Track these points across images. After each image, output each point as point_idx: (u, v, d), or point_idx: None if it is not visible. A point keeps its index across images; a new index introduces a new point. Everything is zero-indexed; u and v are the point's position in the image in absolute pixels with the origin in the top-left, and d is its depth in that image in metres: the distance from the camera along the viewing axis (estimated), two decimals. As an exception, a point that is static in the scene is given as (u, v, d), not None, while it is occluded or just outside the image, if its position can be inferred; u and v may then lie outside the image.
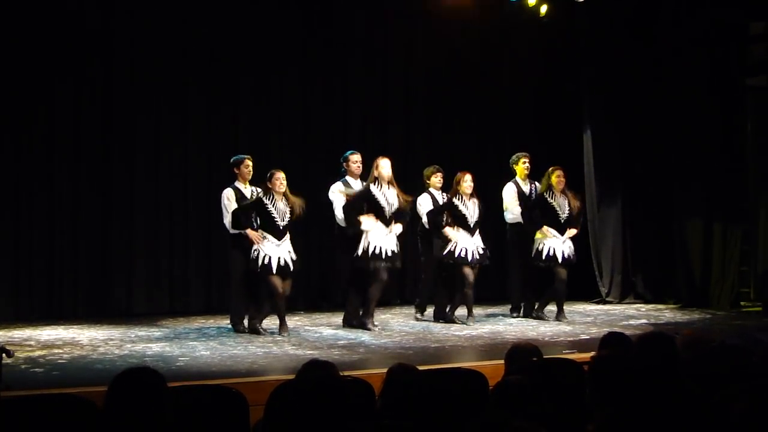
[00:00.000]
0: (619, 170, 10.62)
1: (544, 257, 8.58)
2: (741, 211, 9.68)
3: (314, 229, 9.41)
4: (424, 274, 8.76)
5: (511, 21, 10.57)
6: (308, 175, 9.61)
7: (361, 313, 8.06)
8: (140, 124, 9.47)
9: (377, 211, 7.90)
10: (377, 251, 7.82)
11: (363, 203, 7.93)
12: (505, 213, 8.89)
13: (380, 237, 7.87)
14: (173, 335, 7.70)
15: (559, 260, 8.58)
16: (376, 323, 7.97)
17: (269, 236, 7.60)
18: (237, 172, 7.91)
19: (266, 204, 7.62)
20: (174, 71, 9.59)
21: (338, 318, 8.67)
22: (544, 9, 9.78)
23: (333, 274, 9.85)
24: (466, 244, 8.30)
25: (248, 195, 7.86)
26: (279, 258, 7.57)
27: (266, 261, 7.54)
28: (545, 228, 8.61)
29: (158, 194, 9.56)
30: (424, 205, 8.48)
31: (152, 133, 9.53)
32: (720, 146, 9.80)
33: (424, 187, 8.64)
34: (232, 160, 8.03)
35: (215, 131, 9.78)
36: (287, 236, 7.70)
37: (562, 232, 8.65)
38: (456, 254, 8.28)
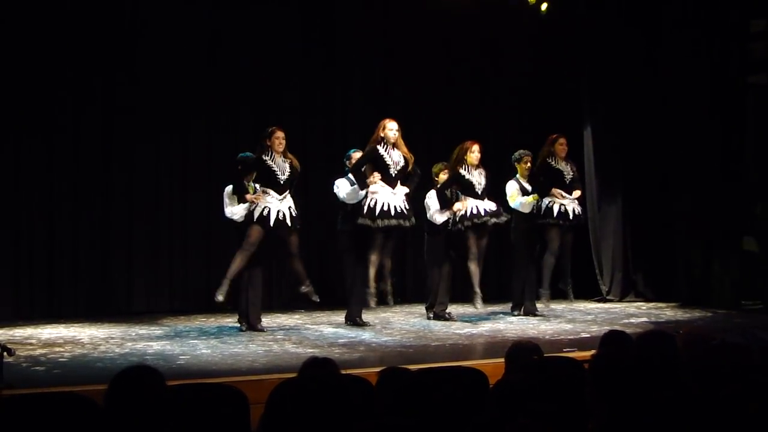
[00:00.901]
0: (619, 168, 10.61)
1: (555, 214, 8.68)
2: (742, 208, 9.66)
3: (315, 227, 9.42)
4: (430, 272, 8.76)
5: (511, 18, 10.56)
6: (307, 174, 9.61)
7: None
8: (140, 122, 9.46)
9: (383, 171, 7.85)
10: (384, 207, 7.74)
11: (368, 162, 7.90)
12: (511, 202, 8.87)
13: (387, 195, 7.81)
14: (174, 333, 7.70)
15: (570, 217, 8.70)
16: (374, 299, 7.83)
17: (271, 191, 7.55)
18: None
19: (265, 160, 7.58)
20: (173, 69, 9.59)
21: (339, 316, 8.69)
22: (544, 6, 9.79)
23: (333, 272, 9.85)
24: (476, 203, 8.31)
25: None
26: (279, 211, 7.51)
27: (264, 212, 7.49)
28: (555, 190, 8.73)
29: (158, 192, 9.57)
30: (431, 201, 8.49)
31: (152, 130, 9.52)
32: (721, 143, 9.78)
33: (432, 184, 8.64)
34: (237, 157, 7.95)
35: (215, 129, 9.78)
36: (288, 192, 7.63)
37: (569, 193, 8.80)
38: (468, 215, 8.22)
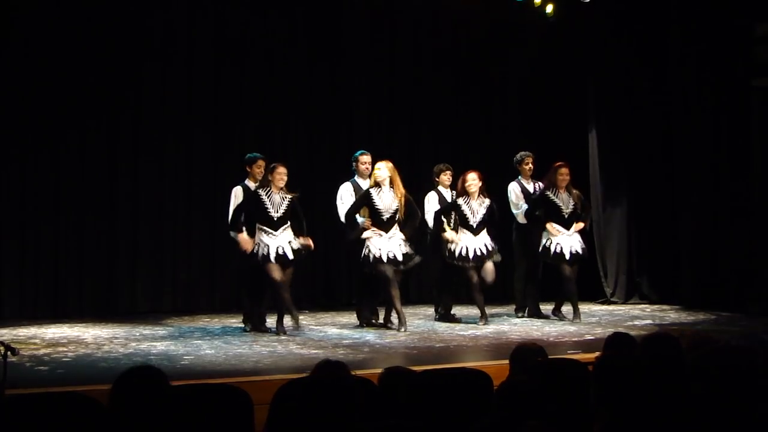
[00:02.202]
0: (624, 170, 10.60)
1: (551, 254, 8.55)
2: (747, 211, 9.64)
3: (319, 228, 9.41)
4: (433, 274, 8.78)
5: (517, 20, 10.56)
6: (313, 175, 9.67)
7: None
8: (145, 124, 9.54)
9: (374, 216, 7.86)
10: (377, 254, 7.75)
11: (361, 207, 7.94)
12: (513, 208, 8.88)
13: (380, 241, 7.82)
14: (178, 334, 7.71)
15: (567, 257, 8.52)
16: (392, 323, 7.92)
17: (265, 227, 7.53)
18: (249, 170, 7.92)
19: (260, 195, 7.56)
20: (177, 71, 9.64)
21: (342, 317, 8.70)
22: (550, 8, 9.78)
23: (337, 273, 9.87)
24: (467, 243, 8.28)
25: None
26: (277, 247, 7.49)
27: (264, 252, 7.48)
28: (550, 225, 8.58)
29: (163, 193, 9.60)
30: (431, 202, 8.53)
31: (157, 132, 9.58)
32: (726, 146, 9.77)
33: (432, 185, 8.68)
34: (246, 157, 8.03)
35: (220, 131, 9.81)
36: (284, 226, 7.58)
37: (567, 228, 8.61)
38: (457, 254, 8.27)
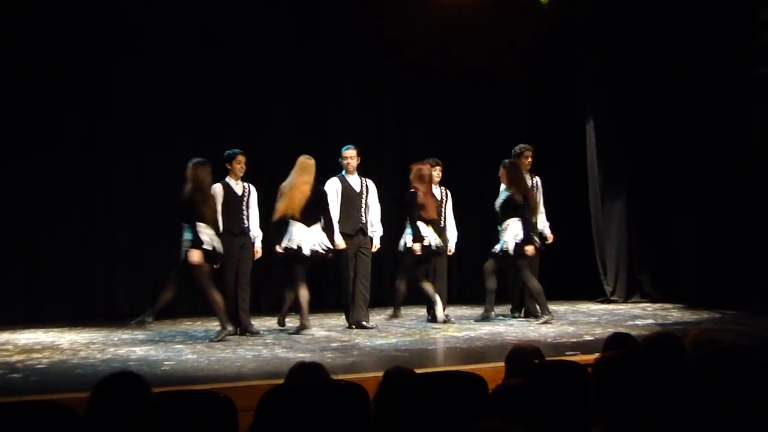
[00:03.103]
0: (623, 163, 10.64)
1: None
2: (752, 205, 9.68)
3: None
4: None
5: (511, 10, 10.57)
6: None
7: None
8: (122, 119, 9.54)
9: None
10: (295, 247, 7.84)
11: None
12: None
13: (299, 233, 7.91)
14: (158, 338, 7.69)
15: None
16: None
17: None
18: (229, 167, 7.93)
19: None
20: (154, 63, 9.64)
21: (330, 319, 8.73)
22: (545, -4, 9.81)
23: (325, 273, 9.86)
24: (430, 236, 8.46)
25: (239, 192, 7.87)
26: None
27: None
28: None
29: (141, 192, 9.61)
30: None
31: (135, 127, 9.57)
32: (728, 138, 9.79)
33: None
34: (225, 154, 8.03)
35: (200, 127, 9.80)
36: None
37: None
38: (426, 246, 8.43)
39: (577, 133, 10.81)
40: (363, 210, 8.28)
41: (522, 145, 9.08)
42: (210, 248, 7.42)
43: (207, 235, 7.43)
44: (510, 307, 9.13)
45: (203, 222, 7.43)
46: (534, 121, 10.93)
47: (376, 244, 8.43)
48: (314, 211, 7.91)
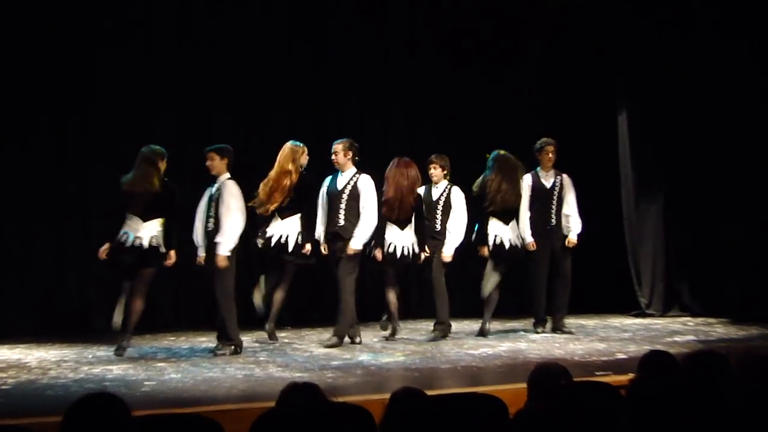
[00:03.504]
0: (660, 158, 10.63)
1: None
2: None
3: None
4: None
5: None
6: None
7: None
8: (97, 117, 9.63)
9: None
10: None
11: None
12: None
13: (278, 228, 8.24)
14: (138, 355, 7.70)
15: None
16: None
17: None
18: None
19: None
20: (134, 57, 9.78)
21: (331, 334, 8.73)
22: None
23: (324, 282, 9.86)
24: (394, 239, 8.47)
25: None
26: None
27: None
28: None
29: (118, 198, 9.63)
30: None
31: (111, 126, 9.64)
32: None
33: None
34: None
35: (184, 126, 9.92)
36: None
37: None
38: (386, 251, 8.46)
39: (606, 126, 10.80)
40: (341, 212, 8.24)
41: (543, 140, 9.09)
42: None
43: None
44: (533, 321, 9.12)
45: None
46: (557, 112, 10.91)
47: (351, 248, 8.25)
48: (296, 203, 8.12)
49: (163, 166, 7.90)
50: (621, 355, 7.45)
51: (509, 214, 8.79)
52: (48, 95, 9.39)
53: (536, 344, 8.26)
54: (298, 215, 8.20)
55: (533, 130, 9.81)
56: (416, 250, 8.45)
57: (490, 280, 8.75)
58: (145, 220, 7.73)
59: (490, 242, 8.71)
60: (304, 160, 8.30)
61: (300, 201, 8.17)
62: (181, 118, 9.90)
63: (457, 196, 8.76)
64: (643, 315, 10.43)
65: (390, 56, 10.87)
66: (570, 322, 9.09)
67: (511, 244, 8.76)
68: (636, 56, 10.66)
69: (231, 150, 7.99)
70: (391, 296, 8.56)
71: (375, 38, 10.73)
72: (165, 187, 7.81)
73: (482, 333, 8.78)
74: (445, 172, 8.81)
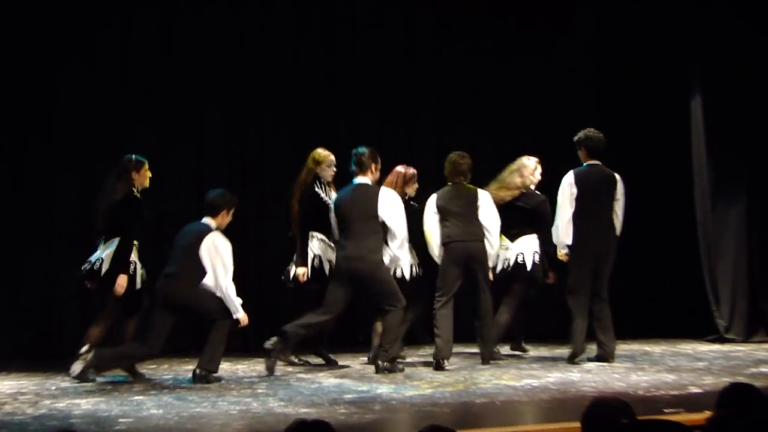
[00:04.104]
0: (743, 150, 10.58)
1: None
2: None
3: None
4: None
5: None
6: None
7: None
8: (62, 118, 9.94)
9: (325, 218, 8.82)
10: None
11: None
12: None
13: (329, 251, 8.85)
14: (111, 386, 7.70)
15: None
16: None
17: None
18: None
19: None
20: (110, 49, 10.10)
21: (344, 361, 8.71)
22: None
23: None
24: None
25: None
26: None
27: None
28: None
29: (86, 205, 9.72)
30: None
31: (79, 131, 9.95)
32: None
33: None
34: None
35: (165, 130, 10.23)
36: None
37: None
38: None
39: (676, 113, 10.77)
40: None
41: (588, 131, 9.05)
42: None
43: None
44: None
45: None
46: (619, 97, 10.91)
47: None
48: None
49: (140, 177, 8.25)
50: (695, 389, 7.38)
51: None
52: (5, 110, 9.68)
53: (591, 374, 8.21)
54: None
55: (588, 118, 9.80)
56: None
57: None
58: (106, 240, 8.13)
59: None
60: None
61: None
62: (161, 128, 10.25)
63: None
64: (722, 340, 10.38)
65: (415, 44, 11.18)
66: (633, 348, 9.03)
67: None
68: (717, 33, 10.60)
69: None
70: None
71: (395, 30, 11.13)
72: (126, 202, 8.12)
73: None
74: None
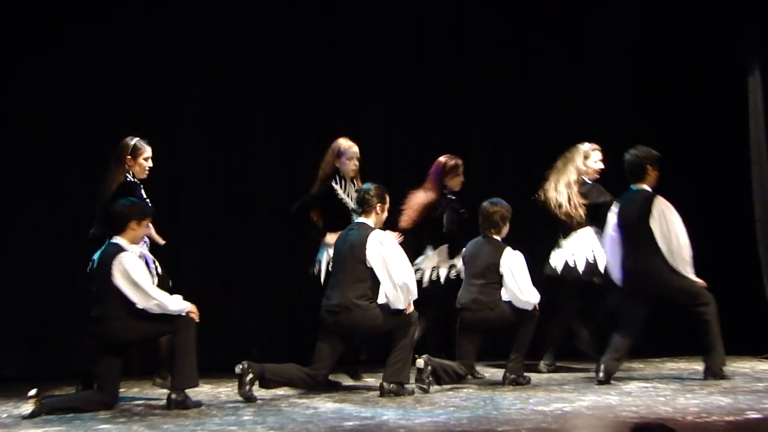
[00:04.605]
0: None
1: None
2: None
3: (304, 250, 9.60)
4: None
5: None
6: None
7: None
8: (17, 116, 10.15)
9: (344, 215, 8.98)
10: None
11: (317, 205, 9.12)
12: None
13: None
14: (72, 414, 7.66)
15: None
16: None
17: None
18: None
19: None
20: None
21: (345, 381, 8.72)
22: None
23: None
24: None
25: None
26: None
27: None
28: None
29: (53, 209, 10.20)
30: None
31: (40, 126, 10.28)
32: None
33: None
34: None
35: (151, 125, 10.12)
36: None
37: None
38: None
39: (732, 94, 10.79)
40: None
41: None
42: None
43: None
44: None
45: None
46: (663, 72, 10.96)
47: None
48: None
49: (135, 164, 8.44)
50: (753, 414, 7.38)
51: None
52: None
53: (632, 397, 8.22)
54: None
55: (627, 107, 9.88)
56: None
57: None
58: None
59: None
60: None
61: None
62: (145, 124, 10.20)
63: None
64: (783, 357, 10.41)
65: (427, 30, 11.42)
66: (680, 367, 9.05)
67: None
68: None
69: None
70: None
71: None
72: (120, 191, 8.23)
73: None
74: None
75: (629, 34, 11.72)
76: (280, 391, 8.54)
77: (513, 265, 9.03)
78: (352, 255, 8.49)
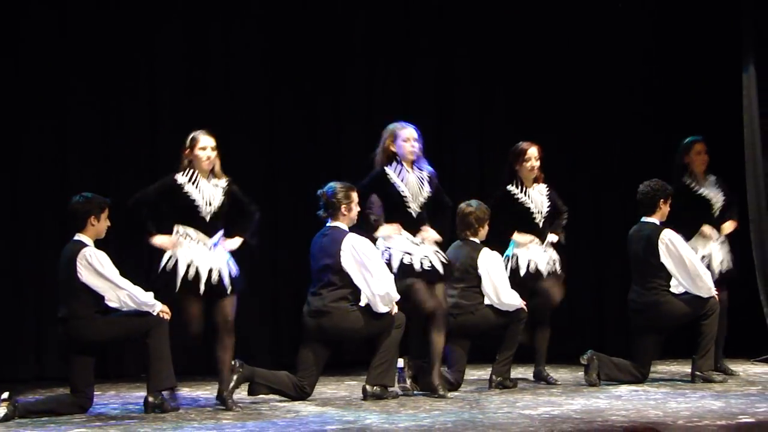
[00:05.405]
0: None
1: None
2: None
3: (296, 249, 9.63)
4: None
5: None
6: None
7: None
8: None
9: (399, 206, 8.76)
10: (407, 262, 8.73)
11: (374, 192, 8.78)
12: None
13: (406, 245, 8.78)
14: (46, 418, 7.65)
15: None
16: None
17: (191, 232, 8.05)
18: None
19: (182, 184, 8.10)
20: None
21: (328, 386, 8.72)
22: None
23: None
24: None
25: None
26: (210, 270, 8.02)
27: (187, 274, 7.98)
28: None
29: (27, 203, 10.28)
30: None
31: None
32: None
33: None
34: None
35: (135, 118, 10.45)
36: (220, 234, 8.12)
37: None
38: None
39: (725, 89, 10.80)
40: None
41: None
42: None
43: None
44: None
45: None
46: (655, 69, 11.01)
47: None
48: None
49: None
50: (745, 418, 7.37)
51: None
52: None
53: (621, 401, 8.24)
54: None
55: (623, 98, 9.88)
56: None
57: None
58: None
59: None
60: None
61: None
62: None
63: None
64: (779, 360, 10.41)
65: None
66: (671, 369, 9.05)
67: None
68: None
69: None
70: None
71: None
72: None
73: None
74: None
75: (622, 32, 11.69)
76: (261, 395, 8.51)
77: (490, 266, 9.08)
78: (328, 261, 8.45)
